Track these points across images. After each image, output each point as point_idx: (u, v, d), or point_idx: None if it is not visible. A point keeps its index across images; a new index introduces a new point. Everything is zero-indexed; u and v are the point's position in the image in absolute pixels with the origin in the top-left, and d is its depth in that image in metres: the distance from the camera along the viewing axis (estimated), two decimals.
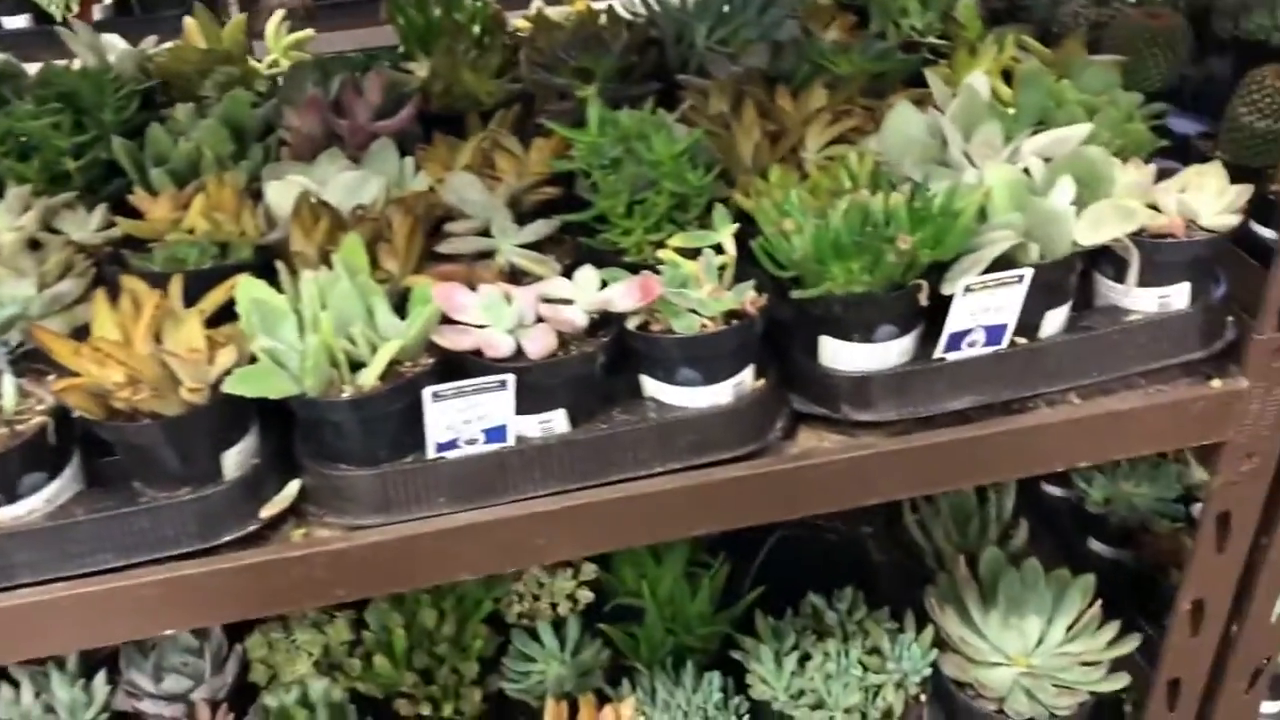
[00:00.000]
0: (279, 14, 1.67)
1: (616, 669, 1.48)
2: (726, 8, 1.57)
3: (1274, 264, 1.05)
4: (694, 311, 1.02)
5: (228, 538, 0.99)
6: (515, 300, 1.00)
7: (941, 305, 1.04)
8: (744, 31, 1.54)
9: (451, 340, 0.98)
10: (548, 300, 1.02)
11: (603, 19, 1.56)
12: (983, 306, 1.04)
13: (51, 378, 0.97)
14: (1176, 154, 1.40)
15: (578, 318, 1.00)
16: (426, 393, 0.94)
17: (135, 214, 1.20)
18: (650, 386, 1.06)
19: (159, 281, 1.01)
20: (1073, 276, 1.09)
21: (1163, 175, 1.16)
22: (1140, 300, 1.11)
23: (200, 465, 0.97)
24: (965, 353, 1.06)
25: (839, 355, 1.06)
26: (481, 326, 1.00)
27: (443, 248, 1.13)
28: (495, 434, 0.98)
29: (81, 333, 1.01)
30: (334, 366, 0.96)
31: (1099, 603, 1.39)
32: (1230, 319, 1.15)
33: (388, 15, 1.59)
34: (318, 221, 1.10)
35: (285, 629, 1.52)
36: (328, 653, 1.51)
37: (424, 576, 1.02)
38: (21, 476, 0.95)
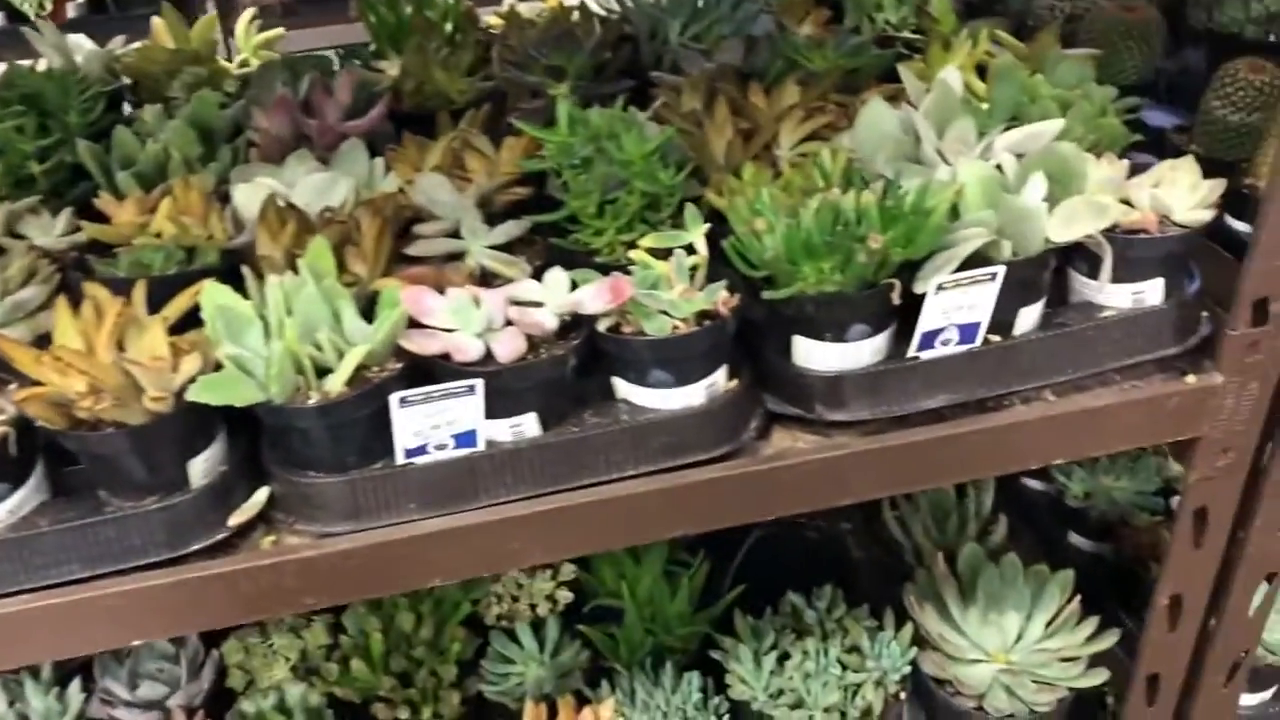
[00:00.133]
0: (249, 13, 1.65)
1: (596, 670, 1.47)
2: (700, 3, 1.56)
3: (1247, 259, 1.04)
4: (665, 313, 1.01)
5: (196, 546, 0.97)
6: (484, 303, 0.99)
7: (915, 303, 1.03)
8: (717, 27, 1.53)
9: (419, 344, 0.97)
10: (517, 303, 1.01)
11: (575, 16, 1.55)
12: (955, 305, 1.03)
13: (13, 387, 0.96)
14: (1151, 147, 1.39)
15: (547, 320, 0.99)
16: (394, 399, 0.93)
17: (101, 218, 1.19)
18: (622, 388, 1.05)
19: (124, 287, 1.00)
20: (1046, 273, 1.08)
21: (1136, 170, 1.16)
22: (1114, 296, 1.11)
23: (166, 474, 0.96)
24: (939, 351, 1.06)
25: (812, 355, 1.06)
26: (450, 330, 0.99)
27: (412, 250, 1.12)
28: (465, 439, 0.97)
29: (46, 340, 0.99)
30: (300, 373, 0.95)
31: (1078, 598, 1.38)
32: (1204, 314, 1.14)
33: (358, 13, 1.57)
34: (284, 225, 1.09)
35: (262, 634, 1.51)
36: (305, 657, 1.49)
37: (395, 583, 1.01)
38: None
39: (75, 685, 1.43)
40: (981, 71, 1.34)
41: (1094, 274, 1.10)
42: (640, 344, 1.01)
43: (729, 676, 1.38)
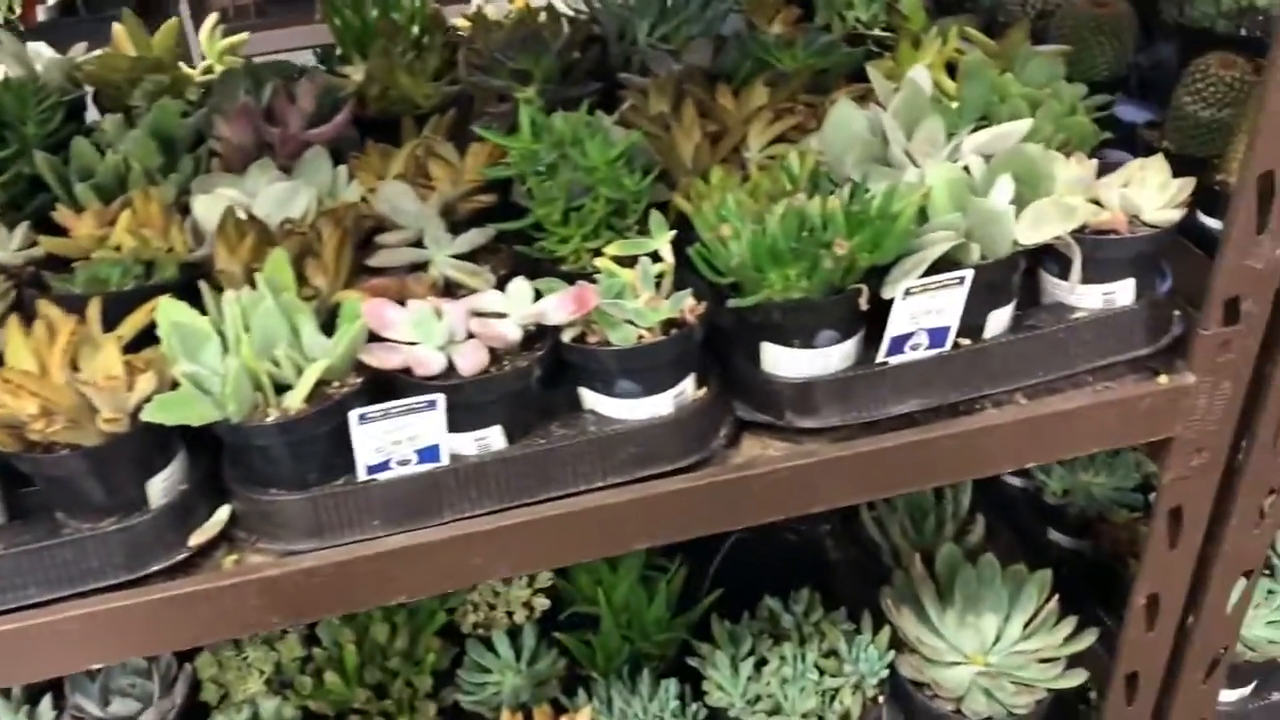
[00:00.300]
0: (212, 18, 1.63)
1: (573, 678, 1.46)
2: (669, 3, 1.55)
3: (1217, 258, 1.04)
4: (631, 322, 1.00)
5: (156, 567, 0.96)
6: (446, 315, 0.97)
7: (884, 308, 1.02)
8: (686, 27, 1.52)
9: (380, 359, 0.95)
10: (480, 314, 0.99)
11: (543, 17, 1.53)
12: (924, 309, 1.02)
13: None
14: (1124, 143, 1.39)
15: (510, 332, 0.98)
16: (353, 415, 0.91)
17: (60, 231, 1.17)
18: (589, 399, 1.03)
19: (80, 304, 0.98)
20: (1016, 276, 1.07)
21: (1107, 168, 1.15)
22: (1085, 297, 1.10)
23: (124, 494, 0.94)
24: (908, 356, 1.05)
25: (780, 361, 1.04)
26: (412, 343, 0.97)
27: (374, 261, 1.10)
28: (428, 454, 0.96)
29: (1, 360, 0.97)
30: (258, 390, 0.93)
31: (1056, 598, 1.38)
32: (1176, 313, 1.13)
33: (323, 16, 1.55)
34: (243, 238, 1.07)
35: (236, 647, 1.49)
36: (279, 670, 1.48)
37: (359, 601, 0.99)
38: None
39: (46, 703, 1.42)
40: (952, 69, 1.33)
41: (1065, 275, 1.08)
42: (605, 354, 0.99)
43: (706, 683, 1.37)
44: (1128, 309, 1.10)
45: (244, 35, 1.63)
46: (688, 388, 1.04)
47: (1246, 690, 1.52)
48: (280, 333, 0.95)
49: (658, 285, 1.05)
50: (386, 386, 0.97)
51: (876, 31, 1.51)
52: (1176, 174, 1.13)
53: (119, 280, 1.08)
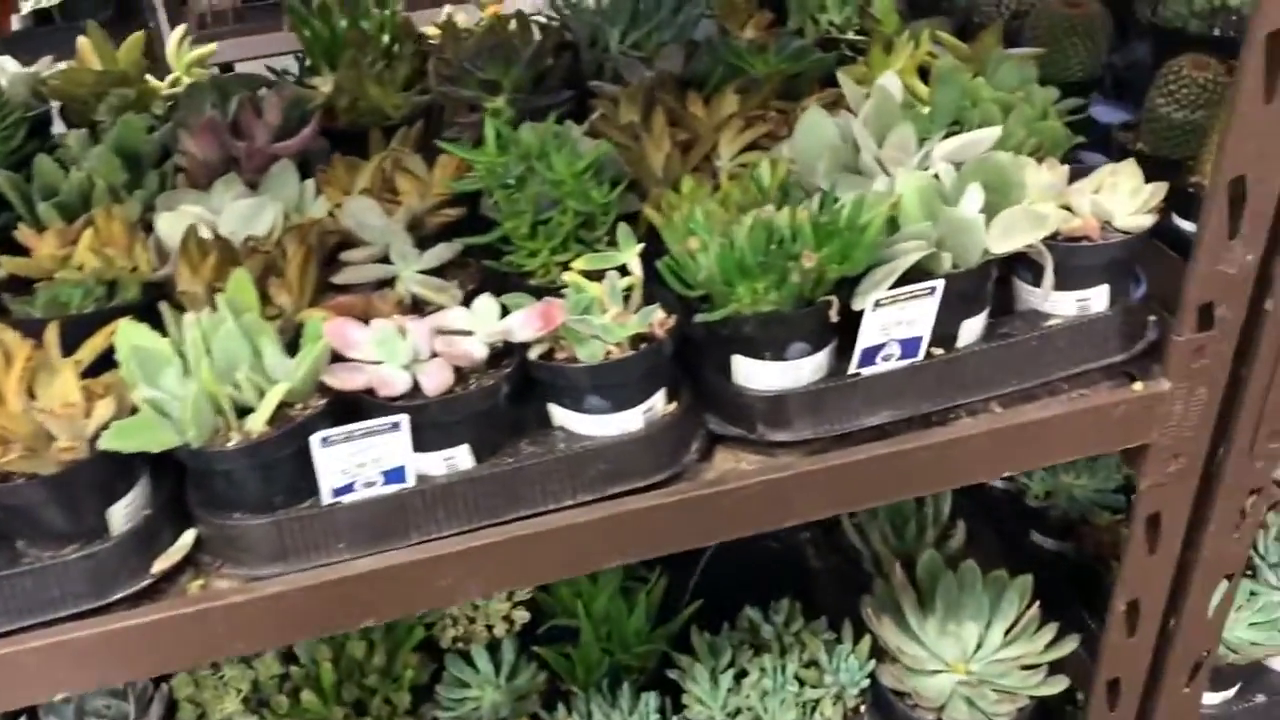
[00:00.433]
0: (180, 29, 1.61)
1: (553, 692, 1.45)
2: (641, 9, 1.53)
3: (1190, 264, 1.03)
4: (599, 338, 0.99)
5: (120, 594, 0.94)
6: (410, 334, 0.96)
7: (857, 319, 1.01)
8: (658, 34, 1.50)
9: (343, 379, 0.94)
10: (445, 332, 0.98)
11: (513, 25, 1.52)
12: (895, 320, 1.01)
13: None
14: (1100, 144, 1.38)
15: (476, 350, 0.97)
16: (315, 439, 0.90)
17: (22, 251, 1.15)
18: (558, 415, 1.02)
19: (40, 327, 0.96)
20: (988, 284, 1.06)
21: (1080, 173, 1.14)
22: (1059, 304, 1.09)
23: (85, 522, 0.93)
24: (881, 367, 1.04)
25: (752, 374, 1.03)
26: (376, 362, 0.96)
27: (339, 278, 1.09)
28: (394, 475, 0.94)
29: None
30: (219, 413, 0.92)
31: (1037, 605, 1.37)
32: (1152, 318, 1.12)
33: (290, 26, 1.53)
34: (205, 257, 1.06)
35: (213, 666, 1.48)
36: (257, 688, 1.46)
37: (327, 626, 0.98)
38: None
39: None
40: (926, 73, 1.32)
41: (1038, 282, 1.08)
42: (573, 371, 0.98)
43: (686, 696, 1.36)
44: (1102, 315, 1.09)
45: (212, 46, 1.62)
46: (658, 402, 1.03)
47: (1230, 693, 1.52)
48: (242, 355, 0.94)
49: (626, 299, 1.04)
50: (352, 407, 0.95)
51: (850, 35, 1.50)
52: (1151, 177, 1.12)
53: (80, 302, 1.06)
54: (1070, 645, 1.35)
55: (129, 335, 0.93)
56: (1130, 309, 1.10)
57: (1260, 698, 1.53)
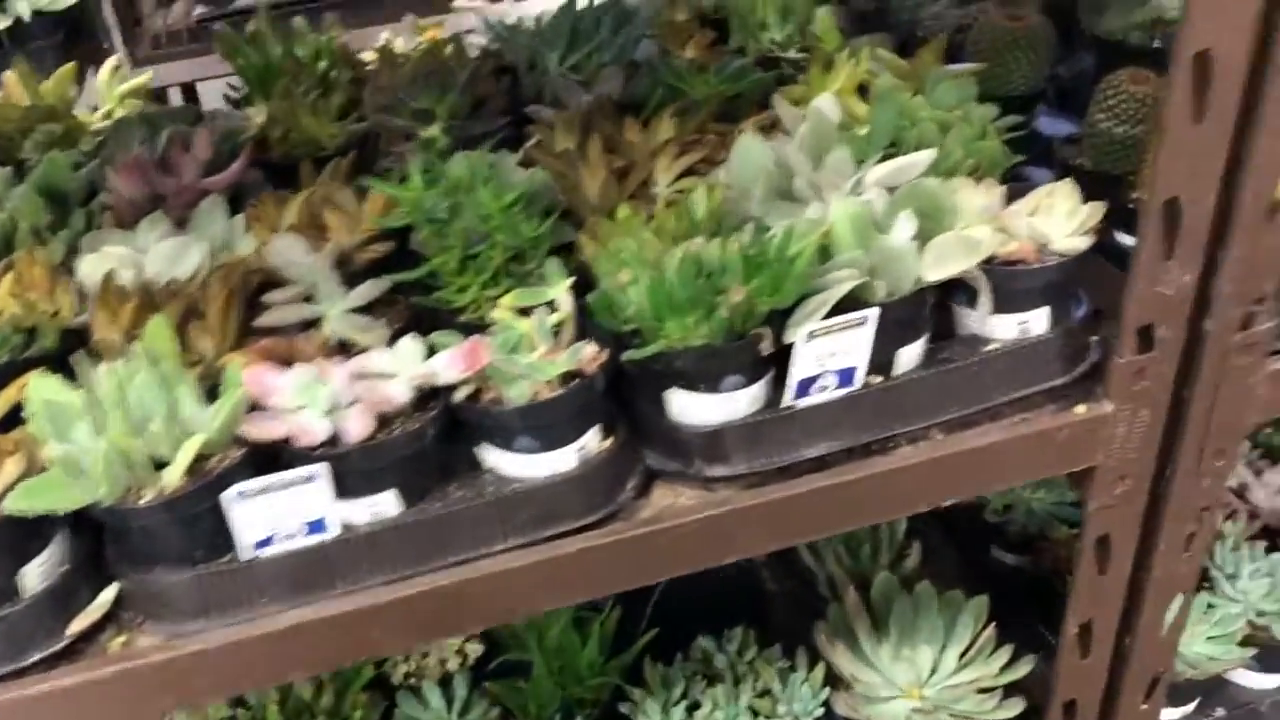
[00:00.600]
0: (112, 61, 1.58)
1: None
2: (579, 31, 1.51)
3: (1128, 286, 1.01)
4: (527, 376, 0.96)
5: (36, 656, 0.91)
6: (331, 379, 0.93)
7: (792, 348, 0.99)
8: (597, 56, 1.48)
9: (260, 429, 0.91)
10: (368, 375, 0.95)
11: (450, 49, 1.49)
12: (829, 350, 0.99)
13: None
14: (1045, 158, 1.37)
15: (398, 395, 0.94)
16: (228, 494, 0.87)
17: None
18: (488, 457, 1.00)
19: None
20: (924, 311, 1.05)
21: (1019, 191, 1.13)
22: (999, 328, 1.07)
23: None
24: (817, 398, 1.02)
25: (687, 408, 1.01)
26: (296, 409, 0.93)
27: (263, 319, 1.06)
28: (315, 526, 0.92)
29: None
30: (134, 468, 0.89)
31: (993, 626, 1.35)
32: (1093, 339, 1.11)
33: (222, 54, 1.51)
34: (124, 302, 1.03)
35: None
36: None
37: (253, 681, 0.95)
38: None
39: None
40: (868, 91, 1.31)
41: (976, 307, 1.06)
42: (500, 412, 0.96)
43: None
44: (1042, 338, 1.07)
45: (145, 77, 1.59)
46: (592, 440, 1.00)
47: (1189, 708, 1.51)
48: (158, 406, 0.91)
49: (558, 334, 1.01)
50: (271, 457, 0.93)
51: (791, 53, 1.48)
52: (1092, 192, 1.11)
53: None
54: (1025, 668, 1.33)
55: (40, 389, 0.91)
56: (1071, 331, 1.08)
57: (1220, 711, 1.52)
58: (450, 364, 0.96)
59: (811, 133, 1.15)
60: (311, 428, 0.91)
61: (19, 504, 0.85)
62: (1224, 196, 0.98)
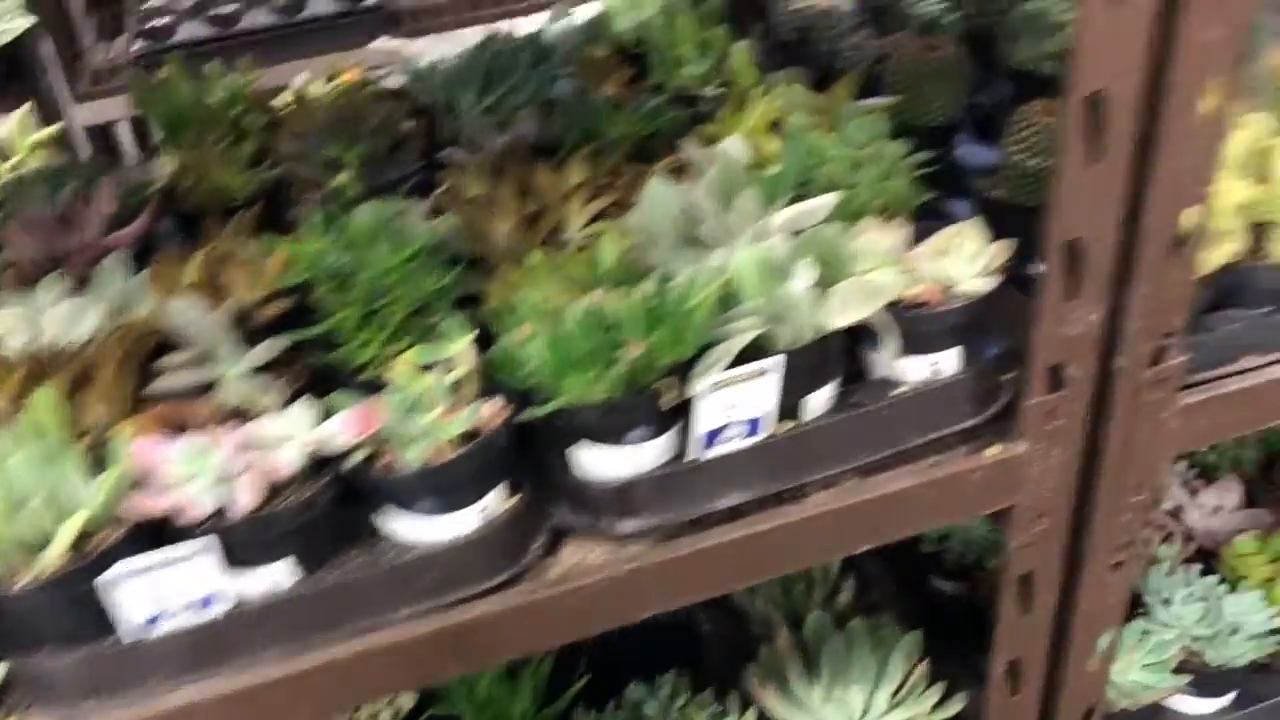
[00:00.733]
0: (23, 109, 1.55)
1: None
2: (496, 70, 1.49)
3: (1034, 327, 1.00)
4: (423, 438, 0.94)
5: None
6: (220, 449, 0.90)
7: (696, 399, 0.97)
8: (514, 96, 1.47)
9: (145, 504, 0.89)
10: (257, 444, 0.93)
11: (366, 92, 1.47)
12: (734, 401, 0.98)
13: None
14: (964, 190, 1.36)
15: (288, 463, 0.92)
16: (110, 574, 0.84)
17: None
18: (388, 521, 0.97)
19: None
20: (831, 357, 1.03)
21: (928, 231, 1.11)
22: (909, 370, 1.06)
23: None
24: (724, 448, 1.00)
25: (593, 462, 0.99)
26: (184, 480, 0.90)
27: (158, 385, 1.03)
28: (206, 601, 0.89)
29: None
30: (9, 550, 0.86)
31: (925, 663, 1.34)
32: (1007, 378, 1.10)
33: (134, 101, 1.48)
34: (11, 372, 1.00)
35: None
36: None
37: None
38: None
39: None
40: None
41: (889, 350, 1.05)
42: (398, 478, 0.94)
43: None
44: (954, 379, 1.06)
45: (56, 126, 1.55)
46: (496, 499, 0.98)
47: None
48: (38, 484, 0.88)
49: (459, 391, 0.99)
50: (159, 531, 0.90)
51: (710, 90, 1.47)
52: (1009, 224, 1.10)
53: None
54: (958, 705, 1.32)
55: None
56: (983, 371, 1.07)
57: None
58: (344, 428, 0.93)
59: (719, 176, 1.13)
60: (198, 501, 0.89)
61: None
62: (1126, 234, 0.97)
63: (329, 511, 0.94)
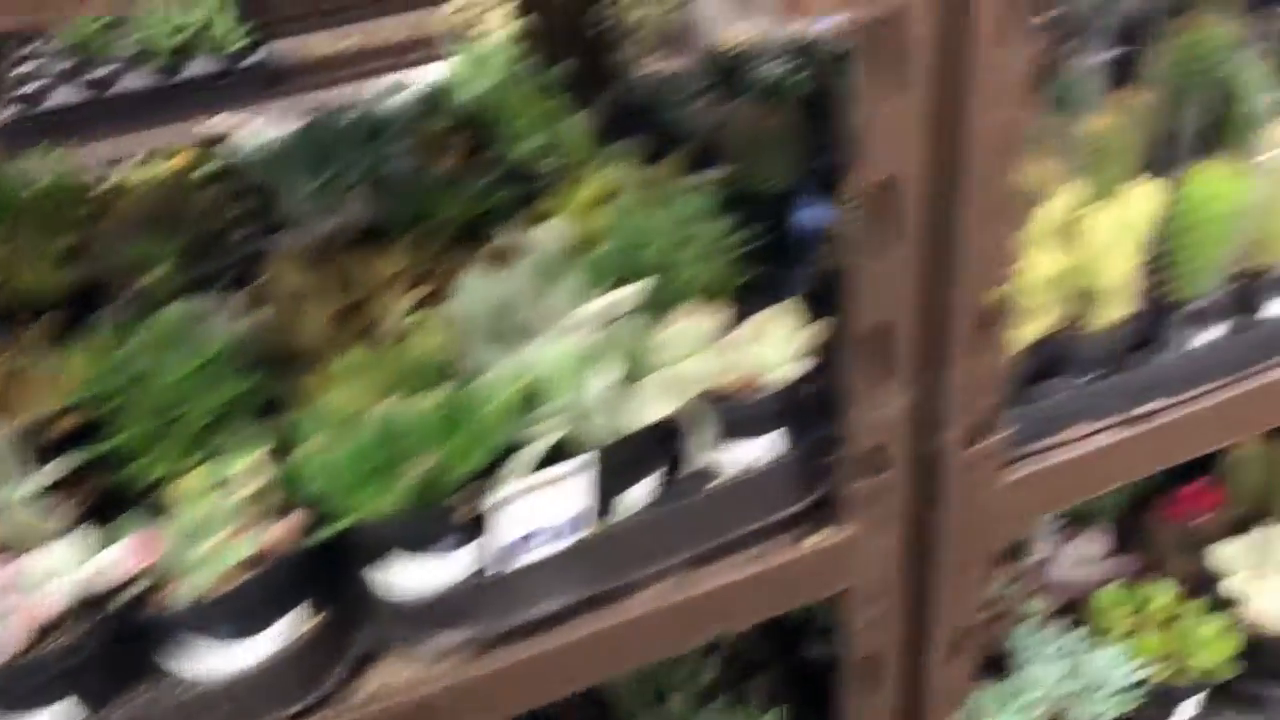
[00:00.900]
0: None
1: None
2: (329, 145, 1.45)
3: (849, 413, 0.98)
4: (207, 565, 0.89)
5: None
6: None
7: (503, 505, 0.94)
8: (346, 175, 1.42)
9: None
10: (23, 582, 0.87)
11: (191, 177, 1.42)
12: (540, 505, 0.94)
13: None
14: (803, 259, 1.34)
15: (57, 601, 0.86)
16: None
17: None
18: (178, 653, 0.92)
19: None
20: (646, 451, 1.00)
21: (751, 310, 1.09)
22: (728, 460, 1.03)
23: None
24: (536, 554, 0.96)
25: (398, 576, 0.95)
26: None
27: None
28: None
29: None
30: None
31: None
32: (830, 460, 1.07)
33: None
34: None
35: None
36: None
37: None
38: None
39: None
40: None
41: (702, 441, 1.02)
42: (181, 609, 0.88)
43: None
44: (773, 467, 1.04)
45: None
46: (292, 622, 0.93)
47: None
48: None
49: (252, 508, 0.94)
50: None
51: (546, 164, 1.44)
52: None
53: None
54: None
55: None
56: (804, 457, 1.05)
57: None
58: (122, 558, 0.88)
59: (537, 263, 1.11)
60: None
61: None
62: (933, 315, 0.96)
63: (109, 647, 0.88)
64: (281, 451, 0.98)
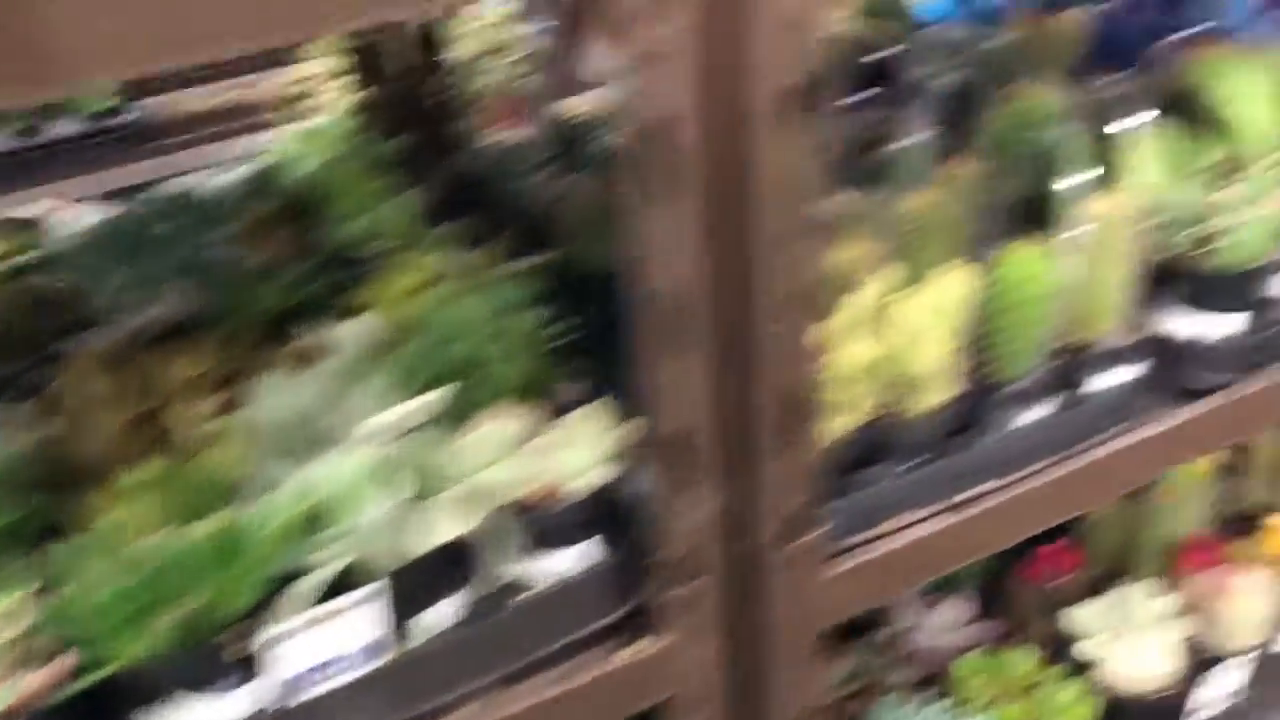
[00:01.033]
0: None
1: None
2: (144, 235, 1.38)
3: (655, 526, 0.94)
4: None
5: None
6: None
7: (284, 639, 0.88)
8: (161, 264, 1.35)
9: None
10: None
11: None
12: (326, 636, 0.89)
13: None
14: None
15: None
16: None
17: None
18: None
19: None
20: (445, 570, 0.95)
21: (573, 405, 1.05)
22: (536, 572, 0.99)
23: None
24: (329, 684, 0.91)
25: (176, 718, 0.88)
26: None
27: None
28: None
29: None
30: None
31: None
32: (645, 566, 1.03)
33: None
34: None
35: None
36: None
37: None
38: None
39: None
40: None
41: (508, 554, 0.97)
42: None
43: None
44: (584, 577, 0.99)
45: None
46: None
47: None
48: None
49: (14, 653, 0.87)
50: None
51: (370, 246, 1.39)
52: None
53: None
54: None
55: None
56: (619, 564, 1.01)
57: None
58: None
59: (341, 363, 1.06)
60: None
61: None
62: (734, 420, 0.93)
63: None
64: (52, 587, 0.91)
